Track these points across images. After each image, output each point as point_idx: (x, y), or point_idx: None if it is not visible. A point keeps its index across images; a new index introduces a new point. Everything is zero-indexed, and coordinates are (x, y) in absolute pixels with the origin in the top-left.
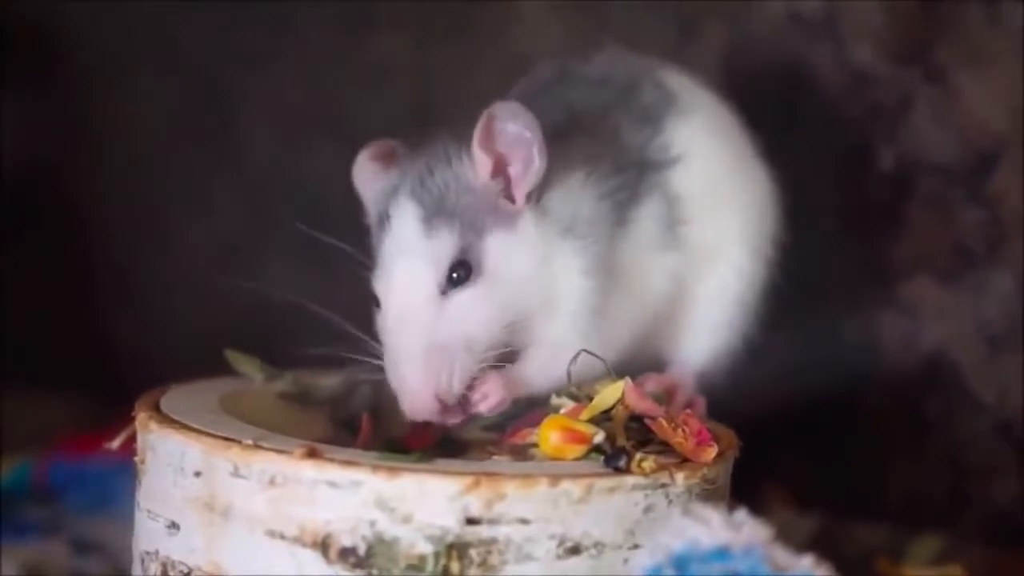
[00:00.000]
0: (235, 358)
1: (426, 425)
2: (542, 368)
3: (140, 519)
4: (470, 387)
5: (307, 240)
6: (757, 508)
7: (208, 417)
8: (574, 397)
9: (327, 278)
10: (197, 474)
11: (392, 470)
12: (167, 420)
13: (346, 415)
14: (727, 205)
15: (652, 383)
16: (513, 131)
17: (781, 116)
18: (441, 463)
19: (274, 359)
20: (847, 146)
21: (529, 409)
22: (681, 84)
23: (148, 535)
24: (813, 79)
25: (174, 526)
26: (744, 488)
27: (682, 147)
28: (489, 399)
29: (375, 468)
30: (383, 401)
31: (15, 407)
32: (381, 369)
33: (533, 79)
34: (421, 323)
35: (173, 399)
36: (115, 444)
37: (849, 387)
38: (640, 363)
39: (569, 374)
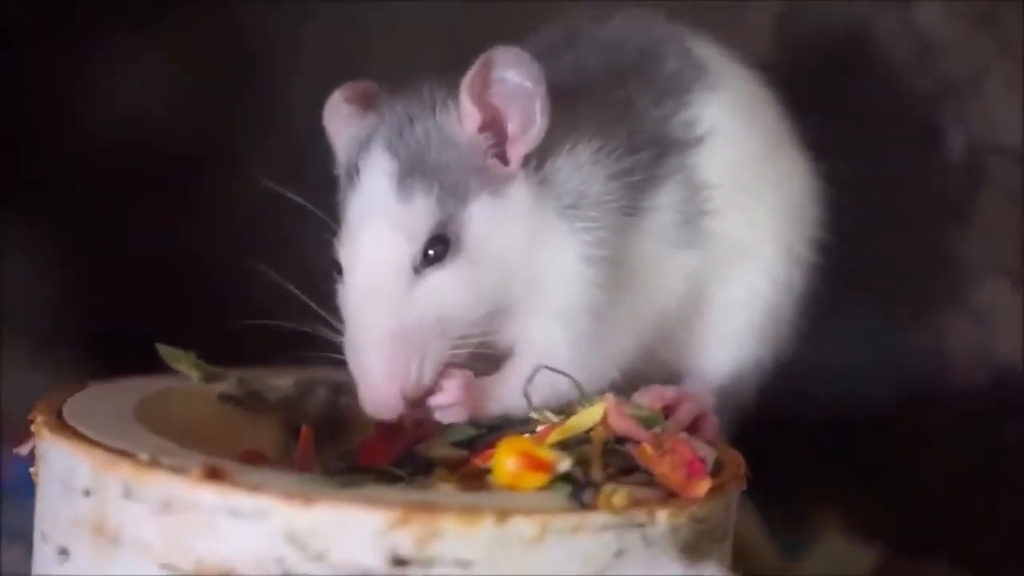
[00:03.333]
0: (168, 354)
1: (389, 436)
2: (524, 378)
3: (35, 541)
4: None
5: None
6: (808, 536)
7: (113, 424)
8: (559, 412)
9: None
10: (87, 493)
11: (306, 498)
12: (60, 427)
13: (301, 421)
14: (759, 198)
15: (649, 397)
16: (513, 80)
17: (836, 91)
18: (369, 490)
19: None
20: (910, 127)
21: (512, 424)
22: (712, 55)
23: (41, 560)
24: (873, 48)
25: (64, 552)
26: (795, 513)
27: (710, 126)
28: (441, 396)
29: (285, 495)
30: (343, 405)
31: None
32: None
33: (539, 40)
34: (390, 304)
35: (83, 400)
36: (23, 450)
37: (913, 404)
38: (651, 375)
39: (528, 396)
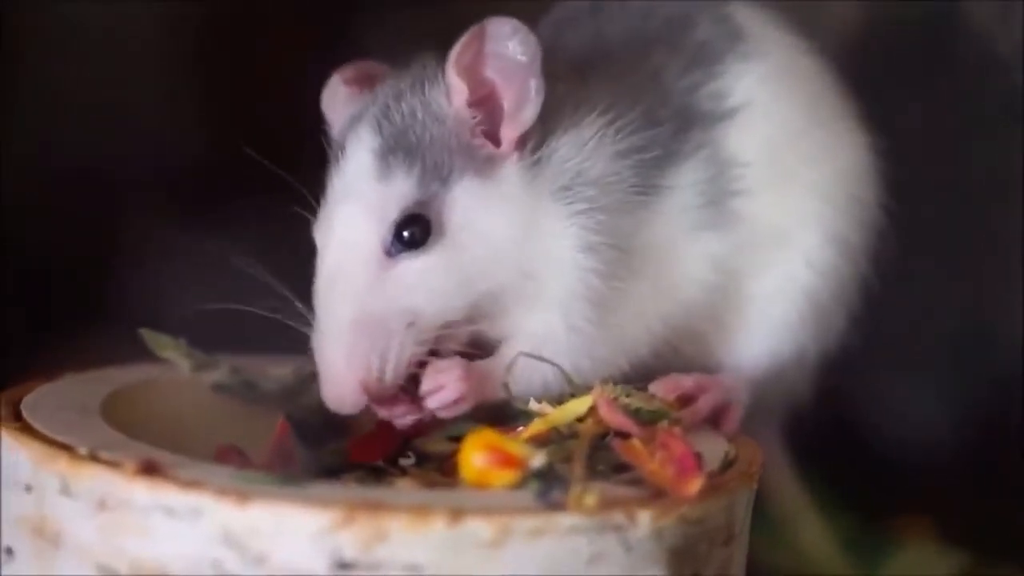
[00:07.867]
0: (154, 340)
1: (385, 431)
2: (522, 367)
3: None
4: (418, 376)
5: None
6: (890, 540)
7: (67, 417)
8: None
9: None
10: (28, 489)
11: (242, 496)
12: (8, 419)
13: (300, 413)
14: (798, 178)
15: (664, 386)
16: (507, 54)
17: (922, 58)
18: (310, 488)
19: None
20: (997, 95)
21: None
22: (753, 21)
23: None
24: (956, 14)
25: (9, 552)
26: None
27: (743, 98)
28: (443, 393)
29: (221, 493)
30: None
31: None
32: None
33: (564, 7)
34: (354, 291)
35: (49, 392)
36: None
37: (1005, 402)
38: (685, 366)
39: (507, 387)
